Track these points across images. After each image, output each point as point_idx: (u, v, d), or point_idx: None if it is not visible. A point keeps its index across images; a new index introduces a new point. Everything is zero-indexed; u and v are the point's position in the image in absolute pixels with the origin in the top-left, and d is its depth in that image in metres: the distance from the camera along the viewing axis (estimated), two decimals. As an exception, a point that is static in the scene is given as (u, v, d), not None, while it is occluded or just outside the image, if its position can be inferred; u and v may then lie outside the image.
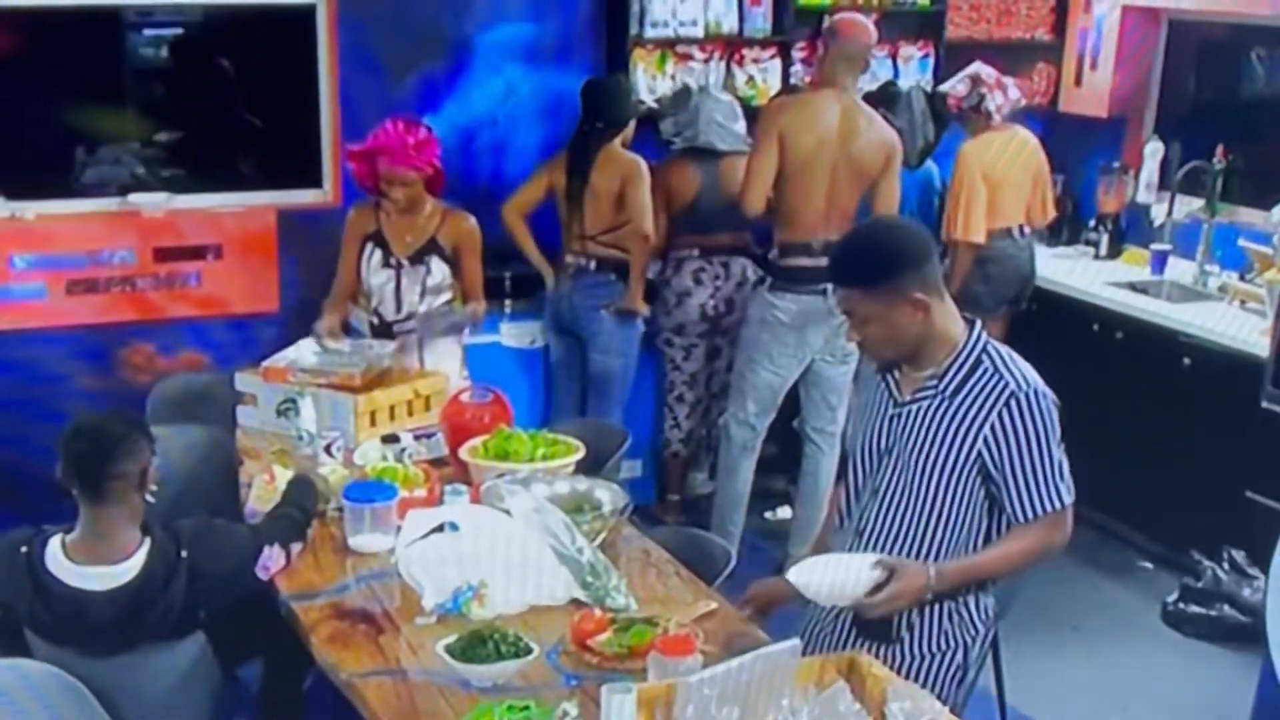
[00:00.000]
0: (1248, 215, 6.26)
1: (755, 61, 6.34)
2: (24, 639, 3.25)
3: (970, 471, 3.00)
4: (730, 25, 6.29)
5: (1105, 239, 6.66)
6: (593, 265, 5.66)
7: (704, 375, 6.03)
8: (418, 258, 4.94)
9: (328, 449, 4.08)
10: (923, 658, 3.08)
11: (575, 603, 3.25)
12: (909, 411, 3.07)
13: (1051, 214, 6.31)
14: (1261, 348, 5.26)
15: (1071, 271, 6.40)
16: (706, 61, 6.27)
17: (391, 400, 4.42)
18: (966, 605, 3.09)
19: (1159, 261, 6.31)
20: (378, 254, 4.97)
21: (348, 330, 5.08)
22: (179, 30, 6.09)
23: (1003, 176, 6.00)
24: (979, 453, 2.98)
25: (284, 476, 3.81)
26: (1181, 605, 5.32)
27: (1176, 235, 6.36)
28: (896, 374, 3.13)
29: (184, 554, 3.25)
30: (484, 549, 3.29)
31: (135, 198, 5.72)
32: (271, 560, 3.40)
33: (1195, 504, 5.50)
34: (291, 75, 5.96)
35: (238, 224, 5.80)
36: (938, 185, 6.22)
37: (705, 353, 5.98)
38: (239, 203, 5.85)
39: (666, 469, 6.19)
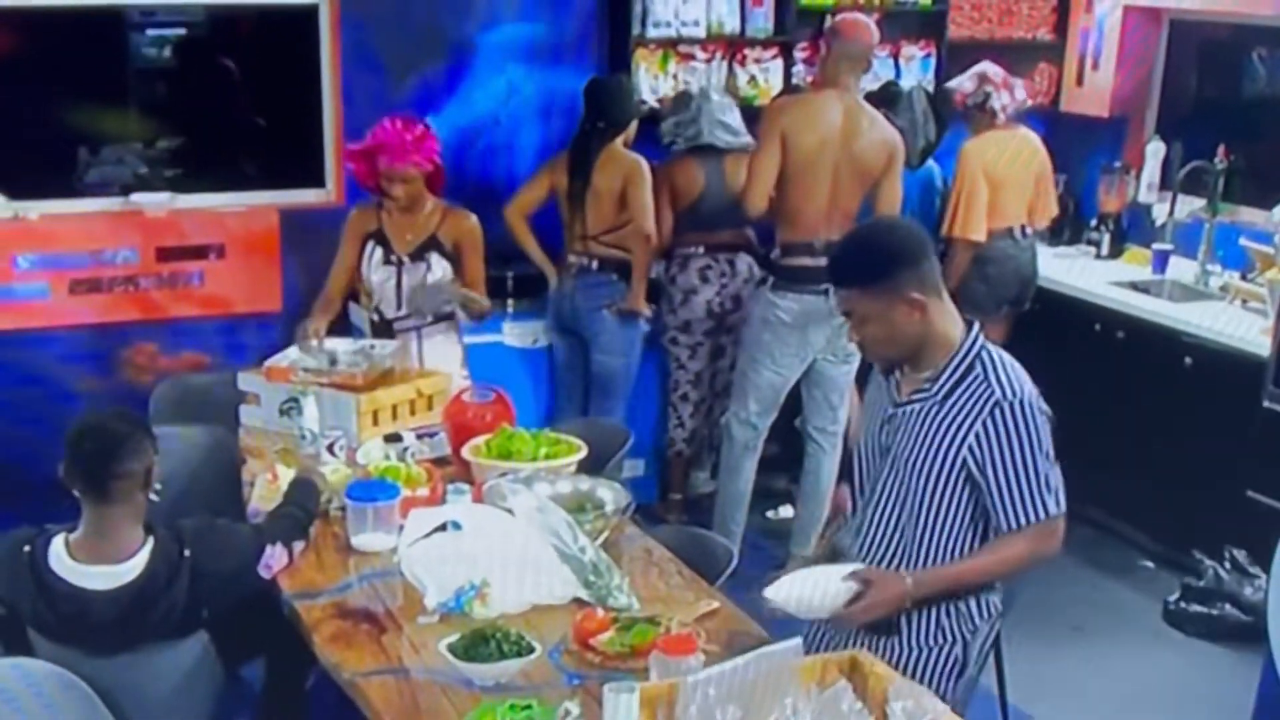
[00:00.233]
0: (1249, 215, 6.26)
1: (757, 61, 6.34)
2: (27, 638, 3.25)
3: (957, 477, 3.01)
4: (732, 25, 6.30)
5: (1107, 239, 6.66)
6: (595, 265, 5.67)
7: (708, 374, 6.03)
8: (418, 255, 4.95)
9: (330, 448, 4.09)
10: (920, 650, 3.10)
11: (577, 602, 3.26)
12: (904, 413, 3.09)
13: (1054, 213, 6.32)
14: (1263, 347, 5.26)
15: (1073, 271, 6.41)
16: (708, 61, 6.28)
17: (394, 399, 4.42)
18: (967, 601, 3.10)
19: (1160, 261, 6.31)
20: (379, 252, 4.98)
21: (345, 331, 5.09)
22: (182, 30, 6.10)
23: (1004, 176, 6.00)
24: (964, 459, 2.99)
25: (287, 476, 3.82)
26: (1183, 604, 5.32)
27: (1178, 235, 6.36)
28: (898, 375, 3.14)
29: (187, 553, 3.26)
30: (486, 548, 3.29)
31: (138, 197, 5.72)
32: (274, 559, 3.40)
33: (1197, 503, 5.51)
34: (294, 75, 5.97)
35: (240, 224, 5.80)
36: (939, 185, 6.22)
37: (710, 351, 5.98)
38: (241, 202, 5.86)
39: (669, 468, 6.20)
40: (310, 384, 4.35)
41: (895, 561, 3.12)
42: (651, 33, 6.15)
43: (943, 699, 2.82)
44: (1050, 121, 6.84)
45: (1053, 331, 6.06)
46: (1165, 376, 5.67)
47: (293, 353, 4.56)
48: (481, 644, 2.94)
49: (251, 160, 6.13)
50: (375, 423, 4.35)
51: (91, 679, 3.14)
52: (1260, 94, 6.60)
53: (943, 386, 3.02)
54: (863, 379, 5.44)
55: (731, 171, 5.74)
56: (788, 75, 6.38)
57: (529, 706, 2.67)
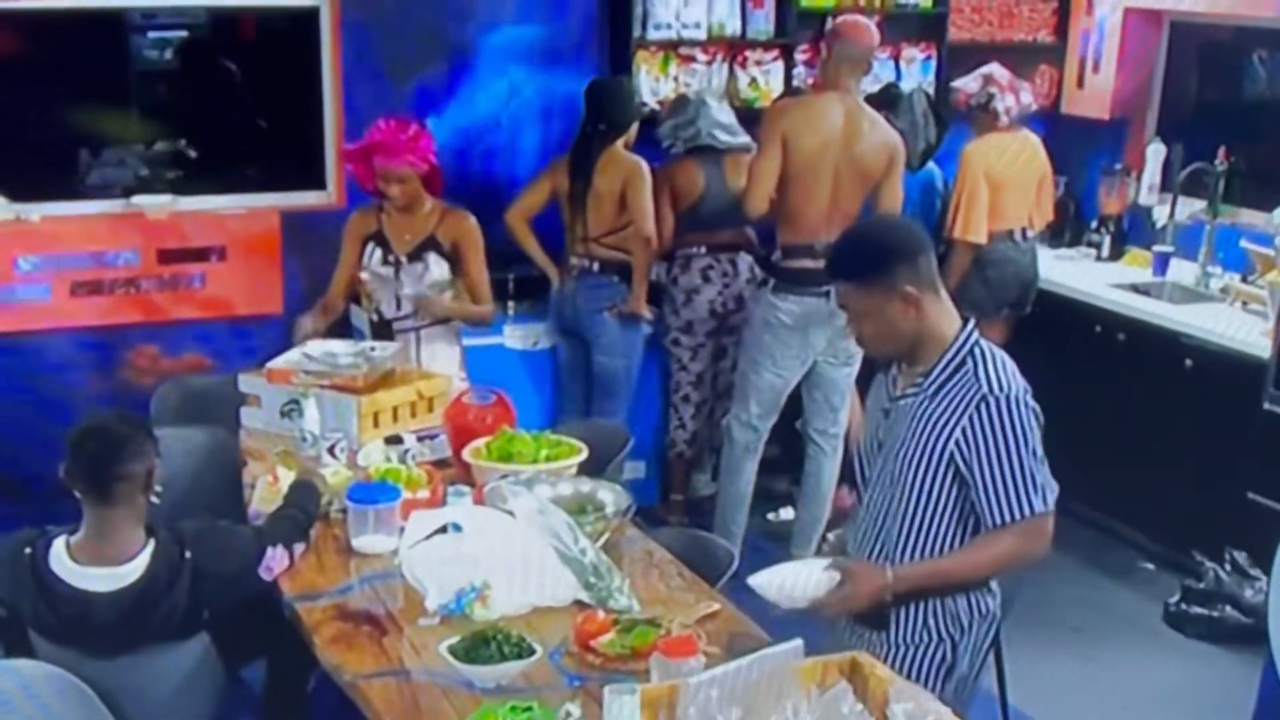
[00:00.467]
0: (1249, 217, 6.26)
1: (758, 64, 6.34)
2: (28, 640, 3.26)
3: (943, 471, 3.02)
4: (733, 27, 6.30)
5: (1107, 240, 6.67)
6: (596, 267, 5.67)
7: (709, 375, 6.03)
8: (416, 255, 4.96)
9: (331, 450, 4.09)
10: (904, 648, 3.11)
11: (578, 604, 3.26)
12: (898, 408, 3.12)
13: (1049, 218, 6.32)
14: (1263, 349, 5.26)
15: (1074, 273, 6.41)
16: (709, 64, 6.28)
17: (395, 401, 4.42)
18: (955, 601, 3.10)
19: (1161, 263, 6.31)
20: (378, 252, 4.99)
21: (346, 333, 5.10)
22: (183, 32, 6.11)
23: (1006, 178, 6.00)
24: (951, 453, 3.00)
25: (287, 478, 3.82)
26: (1183, 606, 5.32)
27: (1178, 237, 6.37)
28: (895, 371, 3.16)
29: (188, 555, 3.26)
30: (487, 550, 3.29)
31: (139, 199, 5.73)
32: (275, 561, 3.40)
33: (1197, 505, 5.51)
34: (295, 77, 5.97)
35: (241, 226, 5.81)
36: (939, 187, 6.22)
37: (711, 352, 5.98)
38: (242, 204, 5.87)
39: (670, 470, 6.20)
40: (311, 386, 4.35)
41: (883, 555, 3.13)
42: (652, 35, 6.16)
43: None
44: (1051, 123, 6.84)
45: (1053, 333, 6.07)
46: (1166, 378, 5.67)
47: (294, 355, 4.56)
48: (482, 646, 2.95)
49: (253, 162, 6.13)
50: (376, 425, 4.35)
51: (92, 681, 3.14)
52: (1261, 96, 6.60)
53: (934, 381, 3.04)
54: (864, 381, 5.46)
55: (731, 172, 5.75)
56: (788, 77, 6.38)
57: (530, 708, 2.67)
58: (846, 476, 5.71)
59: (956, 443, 2.98)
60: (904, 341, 3.06)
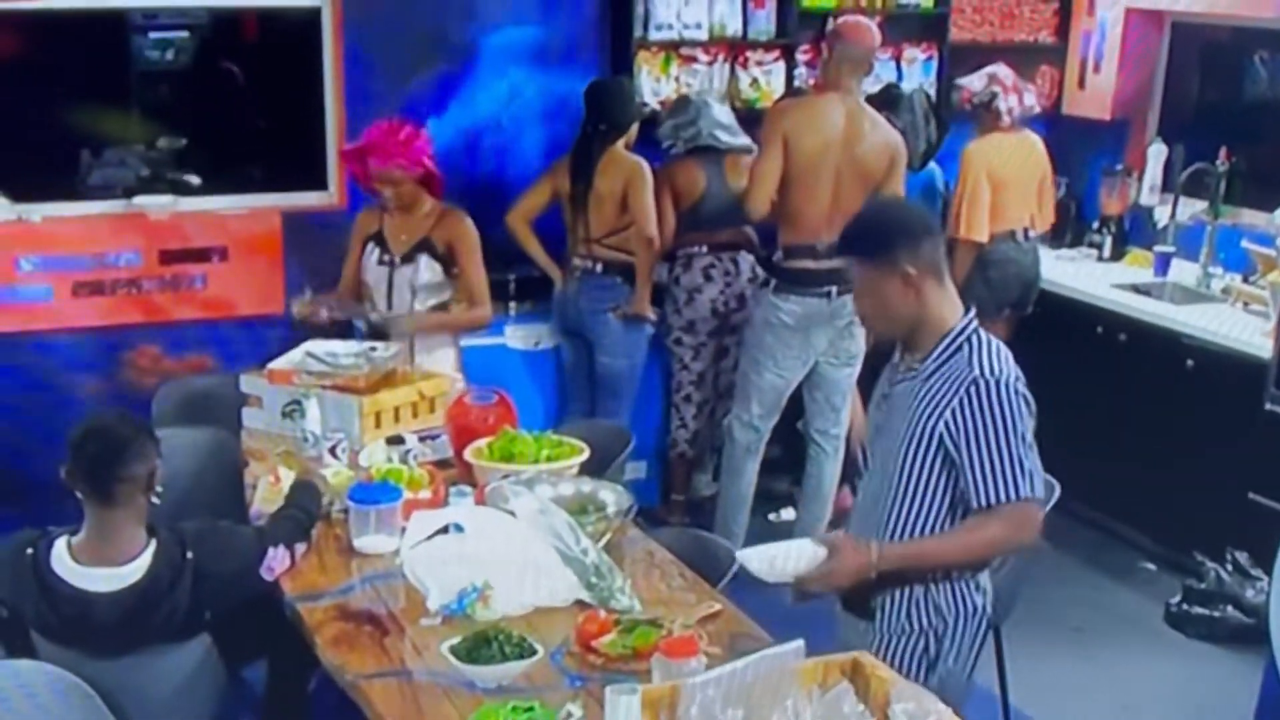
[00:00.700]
0: (1251, 217, 6.26)
1: (759, 64, 6.34)
2: (30, 640, 3.26)
3: (933, 454, 3.04)
4: (734, 28, 6.30)
5: (1108, 241, 6.67)
6: (599, 268, 5.67)
7: (711, 375, 6.03)
8: (410, 256, 4.96)
9: (333, 450, 4.09)
10: (887, 637, 3.14)
11: (579, 604, 3.26)
12: (895, 393, 3.17)
13: (1050, 221, 6.32)
14: (1265, 349, 5.26)
15: (1075, 274, 6.41)
16: (710, 64, 6.28)
17: (396, 402, 4.43)
18: (938, 593, 3.12)
19: (1162, 263, 6.31)
20: (376, 252, 5.01)
21: (347, 332, 5.10)
22: (184, 33, 6.11)
23: (1007, 178, 6.01)
24: (940, 435, 3.02)
25: (289, 478, 3.83)
26: (1184, 606, 5.32)
27: (1180, 237, 6.37)
28: (897, 357, 3.21)
29: (189, 555, 3.26)
30: (488, 550, 3.30)
31: (141, 200, 5.73)
32: (276, 561, 3.41)
33: (1198, 505, 5.51)
34: (296, 78, 5.97)
35: (243, 226, 5.81)
36: (940, 188, 6.22)
37: (713, 352, 5.98)
38: (244, 205, 5.86)
39: (671, 470, 6.20)
40: (313, 386, 4.36)
41: (875, 537, 3.15)
42: (654, 35, 6.16)
43: None
44: (1052, 124, 6.84)
45: (1054, 334, 6.07)
46: (1167, 379, 5.67)
47: (296, 355, 4.57)
48: (484, 646, 2.95)
49: (254, 163, 6.14)
50: (377, 425, 4.35)
51: (94, 681, 3.14)
52: (1262, 96, 6.60)
53: (929, 366, 3.07)
54: (865, 382, 5.46)
55: (731, 171, 5.76)
56: (790, 78, 6.38)
57: (531, 709, 2.67)
58: (848, 477, 5.72)
59: (946, 424, 3.01)
60: (902, 322, 3.10)
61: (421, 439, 4.22)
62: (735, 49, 6.32)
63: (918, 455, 3.06)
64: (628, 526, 3.73)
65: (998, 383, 2.98)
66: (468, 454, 3.95)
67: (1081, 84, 6.87)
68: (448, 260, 4.96)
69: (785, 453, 6.00)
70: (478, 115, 6.10)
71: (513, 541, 3.33)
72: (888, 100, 5.92)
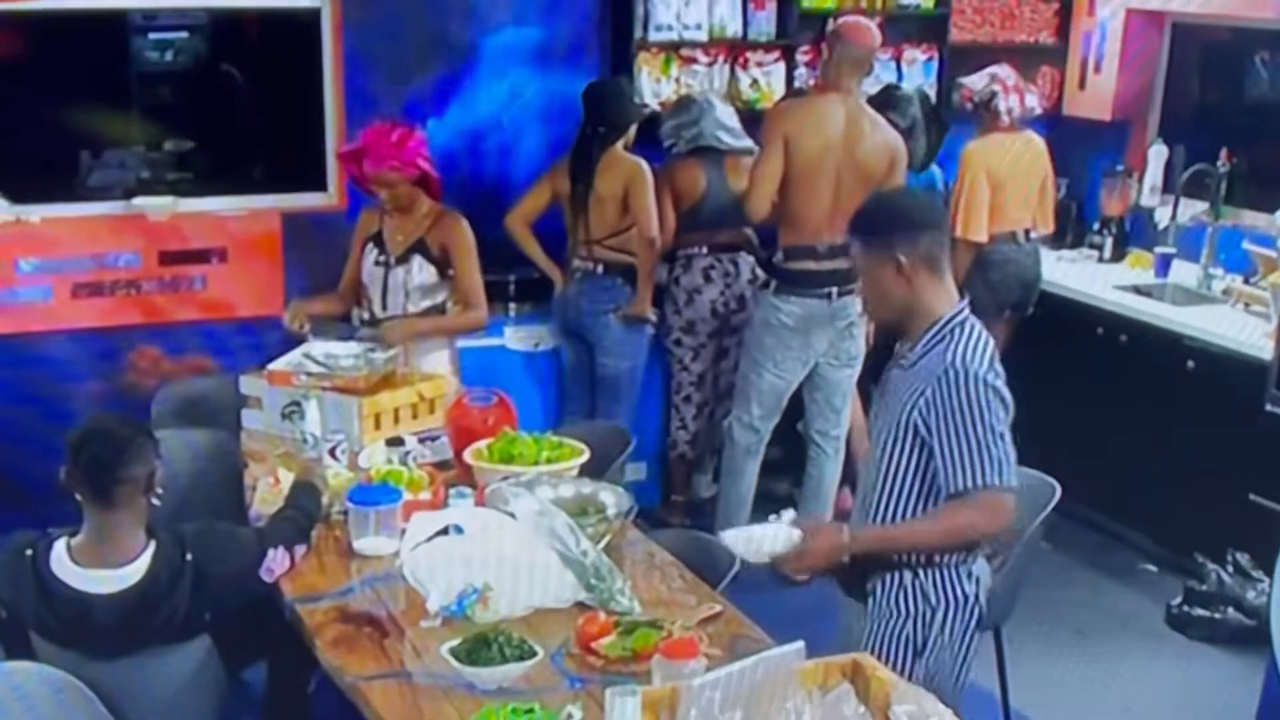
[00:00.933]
0: (1252, 218, 6.26)
1: (759, 65, 6.34)
2: (29, 642, 3.25)
3: (910, 441, 3.13)
4: (734, 29, 6.29)
5: (1109, 242, 6.66)
6: (600, 270, 5.67)
7: (711, 376, 6.03)
8: (404, 257, 4.95)
9: (332, 452, 4.08)
10: (877, 620, 3.22)
11: (579, 606, 3.26)
12: (886, 380, 3.28)
13: (1050, 223, 6.31)
14: (1266, 351, 5.26)
15: (1076, 275, 6.40)
16: (711, 65, 6.28)
17: (396, 403, 4.42)
18: (924, 577, 3.18)
19: (1163, 264, 6.31)
20: (374, 253, 5.01)
21: (348, 332, 5.10)
22: (184, 34, 6.10)
23: (1007, 178, 6.01)
24: (915, 424, 3.10)
25: (288, 479, 3.83)
26: (1185, 608, 5.32)
27: (1180, 238, 6.37)
28: (898, 347, 3.29)
29: (189, 557, 3.26)
30: (488, 552, 3.29)
31: (140, 201, 5.72)
32: (276, 563, 3.40)
33: (1199, 507, 5.50)
34: (296, 79, 5.96)
35: (242, 227, 5.80)
36: (941, 189, 6.22)
37: (713, 353, 5.98)
38: (244, 206, 5.86)
39: (671, 471, 6.19)
40: (312, 388, 4.35)
41: (867, 521, 3.26)
42: (654, 36, 6.15)
43: (900, 674, 2.93)
44: (1052, 125, 6.83)
45: (1055, 335, 6.07)
46: (1168, 380, 5.67)
47: (295, 356, 4.56)
48: (484, 648, 2.95)
49: (254, 164, 6.13)
50: (377, 426, 4.35)
51: (94, 683, 3.14)
52: (1263, 97, 6.59)
53: (915, 355, 3.17)
54: (865, 383, 5.46)
55: (732, 172, 5.76)
56: (790, 79, 6.38)
57: (531, 710, 2.67)
58: (848, 478, 5.72)
59: (920, 412, 3.09)
60: (892, 307, 3.19)
61: (421, 440, 4.22)
62: (735, 50, 6.32)
63: (898, 442, 3.15)
64: (628, 528, 3.73)
65: (968, 374, 3.05)
66: (467, 455, 3.95)
67: (1082, 85, 6.87)
68: (442, 262, 4.95)
69: (785, 454, 6.00)
70: (478, 116, 6.10)
71: (513, 543, 3.33)
72: (887, 101, 5.91)
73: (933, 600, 3.18)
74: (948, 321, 3.14)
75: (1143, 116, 6.86)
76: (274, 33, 6.01)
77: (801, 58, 6.40)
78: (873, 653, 3.07)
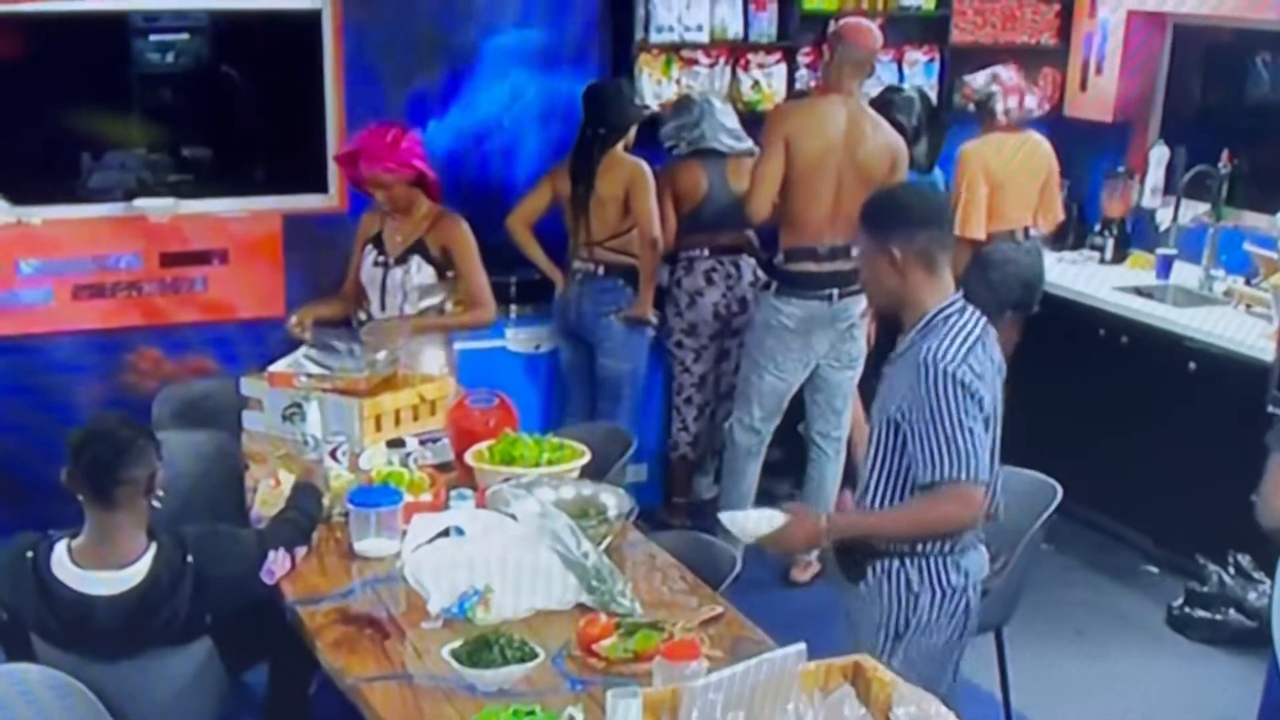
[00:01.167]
0: (1253, 220, 6.26)
1: (760, 66, 6.33)
2: (30, 644, 3.26)
3: (892, 432, 3.22)
4: (735, 30, 6.29)
5: (1111, 243, 6.66)
6: (601, 271, 5.67)
7: (712, 378, 6.03)
8: (403, 258, 4.96)
9: (333, 454, 4.08)
10: (866, 603, 3.32)
11: (581, 607, 3.26)
12: (885, 373, 3.37)
13: (1059, 218, 6.32)
14: (1267, 352, 5.25)
15: (1077, 276, 6.40)
16: (712, 66, 6.27)
17: (397, 405, 4.42)
18: (907, 565, 3.26)
19: (1164, 266, 6.31)
20: (374, 254, 5.02)
21: (345, 331, 5.10)
22: (185, 36, 6.10)
23: (1004, 177, 6.00)
24: (896, 416, 3.20)
25: (289, 481, 3.82)
26: (1186, 609, 5.31)
27: (1182, 240, 6.36)
28: (898, 341, 3.38)
29: (189, 559, 3.26)
30: (489, 553, 3.29)
31: (141, 203, 5.72)
32: (276, 565, 3.41)
33: (1200, 508, 5.49)
34: (297, 81, 5.96)
35: (243, 229, 5.80)
36: (941, 189, 6.21)
37: (714, 355, 5.98)
38: (244, 208, 5.86)
39: (672, 473, 6.19)
40: (313, 389, 4.35)
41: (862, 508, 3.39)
42: (655, 38, 6.15)
43: (880, 656, 3.02)
44: (1054, 126, 6.82)
45: (1057, 337, 6.06)
46: (1169, 382, 5.66)
47: (296, 358, 4.56)
48: (485, 649, 2.95)
49: (254, 165, 6.13)
50: (378, 428, 4.34)
51: (95, 684, 3.14)
52: (1264, 98, 6.59)
53: (902, 349, 3.26)
54: (865, 384, 5.45)
55: (733, 173, 5.76)
56: (791, 80, 6.38)
57: (532, 712, 2.67)
58: (849, 479, 5.71)
59: (898, 405, 3.19)
60: (885, 298, 3.32)
61: (422, 442, 4.22)
62: (736, 51, 6.31)
63: (883, 432, 3.25)
64: (629, 529, 3.73)
65: (938, 369, 3.13)
66: (468, 457, 3.95)
67: (1083, 86, 6.87)
68: (441, 263, 4.95)
69: (786, 455, 6.00)
70: (479, 118, 6.09)
71: (514, 545, 3.33)
72: (887, 102, 5.91)
73: (915, 587, 3.27)
74: (934, 316, 3.21)
75: (1144, 118, 6.86)
76: (275, 34, 6.00)
77: (803, 59, 6.39)
78: (858, 634, 3.23)
